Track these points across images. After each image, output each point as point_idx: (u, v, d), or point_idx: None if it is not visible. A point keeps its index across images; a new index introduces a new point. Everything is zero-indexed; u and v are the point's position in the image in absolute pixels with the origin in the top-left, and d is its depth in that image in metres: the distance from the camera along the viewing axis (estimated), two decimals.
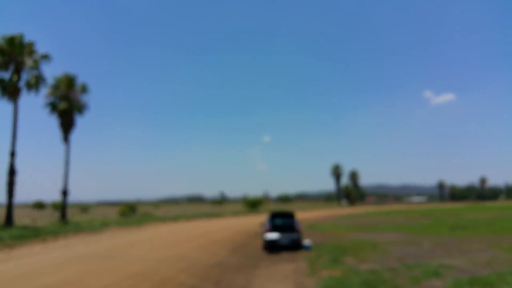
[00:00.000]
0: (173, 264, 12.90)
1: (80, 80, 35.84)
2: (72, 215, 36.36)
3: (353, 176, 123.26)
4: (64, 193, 34.16)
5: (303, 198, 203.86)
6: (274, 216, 17.80)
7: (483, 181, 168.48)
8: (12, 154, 27.23)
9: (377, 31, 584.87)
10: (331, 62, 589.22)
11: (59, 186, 34.41)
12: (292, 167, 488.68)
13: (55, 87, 34.16)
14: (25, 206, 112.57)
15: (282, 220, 17.49)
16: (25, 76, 28.56)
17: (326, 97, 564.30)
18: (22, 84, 28.23)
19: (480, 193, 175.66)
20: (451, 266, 11.13)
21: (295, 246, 16.00)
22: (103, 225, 28.55)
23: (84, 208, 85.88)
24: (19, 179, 27.46)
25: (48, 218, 36.25)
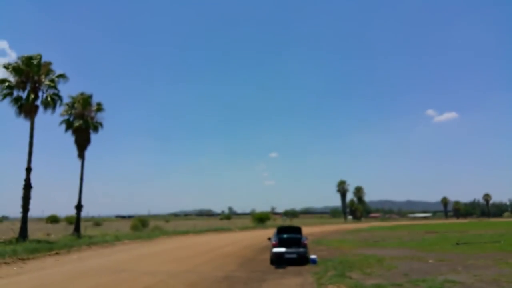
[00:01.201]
0: (183, 277, 12.79)
1: (96, 99, 36.20)
2: (86, 229, 36.34)
3: (358, 191, 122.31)
4: (78, 207, 34.18)
5: (309, 213, 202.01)
6: (281, 230, 17.67)
7: (487, 197, 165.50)
8: (28, 170, 27.37)
9: (379, 51, 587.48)
10: (331, 85, 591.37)
11: (73, 201, 34.44)
12: (299, 183, 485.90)
13: (71, 106, 34.54)
14: (39, 220, 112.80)
15: (289, 235, 17.35)
16: (42, 95, 28.88)
17: (331, 116, 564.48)
18: (38, 102, 28.53)
19: (484, 210, 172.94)
20: (457, 282, 10.92)
21: (302, 260, 15.80)
22: (116, 239, 28.48)
23: (97, 222, 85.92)
24: (34, 194, 27.50)
25: (62, 232, 36.26)
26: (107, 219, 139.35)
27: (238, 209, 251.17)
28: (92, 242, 25.13)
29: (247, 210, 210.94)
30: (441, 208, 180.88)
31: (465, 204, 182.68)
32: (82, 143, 34.43)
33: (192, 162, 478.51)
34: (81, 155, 34.57)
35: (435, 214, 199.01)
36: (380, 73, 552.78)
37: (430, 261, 16.08)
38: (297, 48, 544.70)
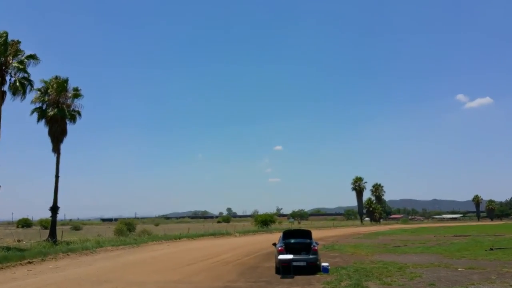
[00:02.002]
0: None
1: (73, 84, 36.04)
2: (63, 234, 36.48)
3: (377, 190, 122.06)
4: (54, 209, 34.21)
5: (320, 215, 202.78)
6: (288, 235, 17.70)
7: None
8: None
9: (401, 31, 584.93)
10: (351, 66, 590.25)
11: (48, 202, 34.48)
12: (308, 180, 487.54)
13: (44, 92, 34.39)
14: (9, 224, 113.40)
15: (297, 240, 17.38)
16: (10, 79, 28.70)
17: (346, 103, 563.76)
18: (6, 87, 28.39)
19: None
20: None
21: (312, 268, 15.84)
22: (97, 245, 28.57)
23: (76, 226, 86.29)
24: (2, 194, 27.60)
25: (35, 238, 36.40)
26: (88, 222, 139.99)
27: (238, 210, 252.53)
28: (70, 249, 25.23)
29: (249, 212, 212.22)
30: (472, 208, 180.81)
31: (501, 204, 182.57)
32: (57, 135, 34.35)
33: (185, 157, 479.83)
34: (56, 149, 34.55)
35: (465, 215, 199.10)
36: (404, 53, 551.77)
37: (459, 269, 16.10)
38: (310, 24, 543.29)
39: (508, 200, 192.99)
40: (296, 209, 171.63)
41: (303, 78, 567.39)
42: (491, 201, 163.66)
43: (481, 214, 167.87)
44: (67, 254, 23.65)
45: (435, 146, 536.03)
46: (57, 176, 34.44)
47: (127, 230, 44.81)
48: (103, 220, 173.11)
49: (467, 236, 40.76)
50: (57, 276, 16.10)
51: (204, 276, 15.85)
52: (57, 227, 35.44)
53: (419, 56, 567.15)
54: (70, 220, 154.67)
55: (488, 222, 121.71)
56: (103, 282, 14.31)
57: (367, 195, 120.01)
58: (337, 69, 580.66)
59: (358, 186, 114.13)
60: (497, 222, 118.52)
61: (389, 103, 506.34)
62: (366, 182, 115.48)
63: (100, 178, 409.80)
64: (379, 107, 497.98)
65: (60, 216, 37.34)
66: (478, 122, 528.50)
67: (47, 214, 36.97)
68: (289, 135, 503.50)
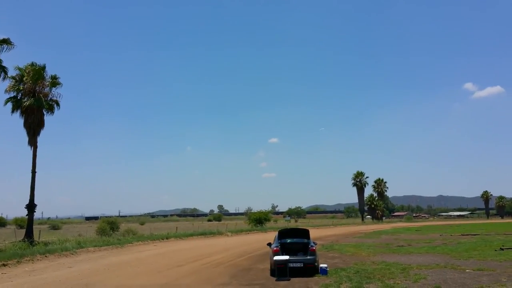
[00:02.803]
0: None
1: (50, 71, 35.78)
2: (40, 234, 36.37)
3: (379, 185, 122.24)
4: (30, 207, 34.06)
5: (318, 213, 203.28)
6: (284, 234, 17.75)
7: None
8: None
9: (408, 16, 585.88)
10: (353, 52, 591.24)
11: (24, 199, 34.36)
12: (305, 176, 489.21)
13: (19, 80, 34.16)
14: None
15: (294, 240, 17.45)
16: None
17: (347, 91, 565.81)
18: None
19: None
20: None
21: (309, 270, 15.92)
22: (78, 246, 28.51)
23: (54, 225, 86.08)
24: None
25: (9, 238, 36.28)
26: (67, 221, 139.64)
27: (230, 208, 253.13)
28: (48, 250, 25.15)
29: (242, 209, 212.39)
30: (481, 205, 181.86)
31: None
32: (33, 127, 34.15)
33: (174, 151, 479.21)
34: (33, 142, 34.35)
35: (473, 212, 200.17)
36: (408, 40, 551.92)
37: (467, 270, 16.24)
38: (308, 7, 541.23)
39: None
40: (293, 206, 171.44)
41: (301, 64, 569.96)
42: (501, 198, 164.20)
43: (491, 211, 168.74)
44: (45, 256, 23.57)
45: (441, 138, 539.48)
46: (33, 172, 34.25)
47: (110, 230, 44.75)
48: (87, 218, 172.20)
49: (475, 235, 41.07)
50: (34, 279, 16.07)
51: (193, 279, 15.87)
52: (34, 227, 35.29)
53: (425, 42, 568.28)
54: (48, 218, 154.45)
55: (498, 220, 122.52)
56: (84, 285, 14.30)
57: (368, 191, 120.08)
58: (338, 55, 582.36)
59: (359, 182, 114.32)
60: (507, 220, 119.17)
61: (393, 92, 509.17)
62: (367, 178, 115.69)
63: (81, 174, 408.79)
64: (382, 96, 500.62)
65: (37, 214, 37.23)
66: (488, 113, 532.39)
67: (23, 213, 36.88)
68: (285, 125, 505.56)
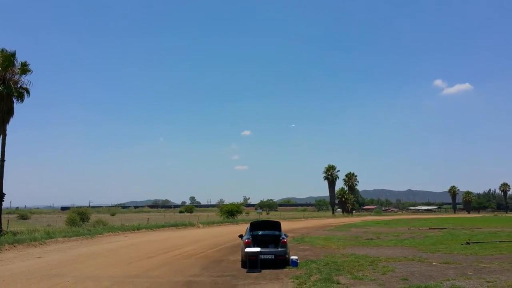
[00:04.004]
0: (132, 284, 12.79)
1: (20, 58, 35.01)
2: (8, 224, 35.71)
3: (350, 179, 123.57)
4: None
5: (290, 205, 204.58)
6: (256, 226, 17.80)
7: (505, 187, 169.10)
8: None
9: (379, 12, 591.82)
10: (326, 44, 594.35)
11: None
12: (277, 169, 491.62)
13: None
14: None
15: (265, 232, 17.52)
16: None
17: (319, 84, 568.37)
18: None
19: (501, 202, 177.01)
20: None
21: (280, 262, 16.04)
22: (47, 236, 28.12)
23: (23, 215, 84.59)
24: None
25: None
26: (36, 211, 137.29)
27: (202, 199, 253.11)
28: (17, 240, 24.74)
29: (214, 201, 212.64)
30: (449, 199, 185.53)
31: (478, 195, 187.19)
32: (2, 115, 33.39)
33: (145, 142, 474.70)
34: (2, 130, 33.68)
35: (441, 206, 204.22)
36: (379, 36, 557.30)
37: (434, 263, 16.58)
38: (279, 1, 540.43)
39: (486, 191, 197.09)
40: (265, 199, 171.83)
41: (275, 55, 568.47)
42: (468, 193, 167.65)
43: (458, 206, 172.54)
44: (14, 246, 23.20)
45: (411, 133, 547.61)
46: (2, 160, 33.54)
47: (80, 220, 44.25)
48: (63, 208, 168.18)
49: (442, 229, 41.96)
50: (2, 269, 15.77)
51: (164, 270, 15.82)
52: (2, 216, 34.63)
53: (396, 39, 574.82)
54: (17, 208, 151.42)
55: (464, 215, 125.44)
56: (54, 276, 14.12)
57: (339, 185, 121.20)
58: (311, 47, 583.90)
59: (330, 175, 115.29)
60: (474, 215, 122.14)
61: (364, 85, 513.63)
62: (339, 171, 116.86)
63: (50, 162, 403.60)
64: (354, 91, 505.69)
65: (5, 204, 36.45)
66: (457, 109, 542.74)
67: None
68: (258, 118, 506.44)
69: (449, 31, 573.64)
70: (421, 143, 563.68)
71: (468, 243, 24.20)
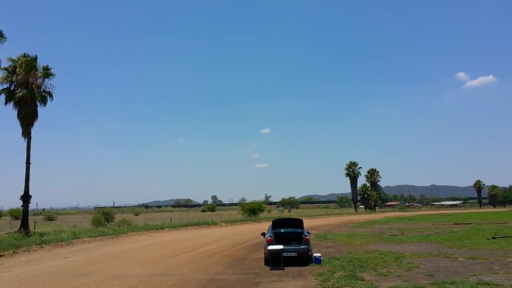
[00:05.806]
0: (157, 282, 12.91)
1: (42, 62, 35.57)
2: (35, 225, 36.30)
3: (372, 175, 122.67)
4: (25, 198, 34.00)
5: (312, 203, 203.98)
6: (278, 224, 17.81)
7: None
8: None
9: (399, 5, 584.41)
10: (346, 42, 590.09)
11: (19, 191, 34.26)
12: (298, 166, 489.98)
13: (12, 71, 33.98)
14: None
15: (287, 229, 17.52)
16: None
17: (340, 82, 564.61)
18: None
19: None
20: (493, 284, 11.12)
21: (303, 259, 16.01)
22: (73, 236, 28.55)
23: (50, 216, 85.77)
24: None
25: (5, 229, 36.22)
26: (62, 212, 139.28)
27: (224, 198, 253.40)
28: (44, 241, 25.17)
29: (235, 200, 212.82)
30: (474, 194, 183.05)
31: (504, 190, 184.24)
32: (27, 118, 34.01)
33: (167, 143, 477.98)
34: (27, 133, 34.22)
35: (466, 201, 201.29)
36: (402, 29, 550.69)
37: (460, 258, 16.37)
38: (301, 5, 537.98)
39: None
40: (286, 197, 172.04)
41: (294, 54, 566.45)
42: (493, 187, 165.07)
43: (483, 200, 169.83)
44: (41, 246, 23.60)
45: (434, 128, 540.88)
46: (28, 163, 34.15)
47: (105, 220, 44.79)
48: (75, 210, 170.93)
49: (468, 224, 41.38)
50: (31, 270, 16.08)
51: (188, 268, 15.94)
52: (29, 217, 35.24)
53: (418, 32, 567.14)
54: (43, 209, 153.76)
55: (490, 209, 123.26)
56: (81, 275, 14.33)
57: (361, 181, 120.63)
58: (331, 46, 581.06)
59: (352, 172, 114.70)
60: (500, 209, 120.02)
61: (386, 82, 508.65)
62: (360, 168, 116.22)
63: (75, 165, 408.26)
64: (375, 86, 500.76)
65: (32, 205, 37.12)
66: (480, 102, 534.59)
67: (18, 204, 36.79)
68: (278, 116, 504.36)
69: (472, 22, 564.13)
70: (444, 138, 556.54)
71: (495, 238, 23.86)
